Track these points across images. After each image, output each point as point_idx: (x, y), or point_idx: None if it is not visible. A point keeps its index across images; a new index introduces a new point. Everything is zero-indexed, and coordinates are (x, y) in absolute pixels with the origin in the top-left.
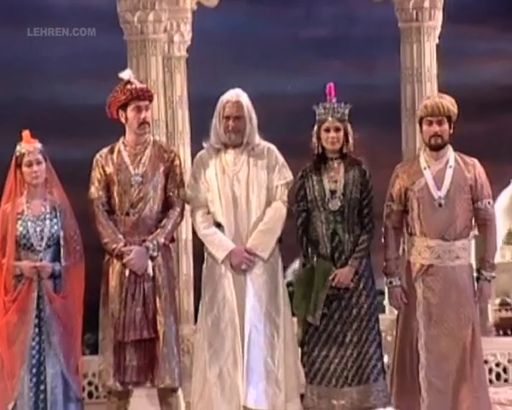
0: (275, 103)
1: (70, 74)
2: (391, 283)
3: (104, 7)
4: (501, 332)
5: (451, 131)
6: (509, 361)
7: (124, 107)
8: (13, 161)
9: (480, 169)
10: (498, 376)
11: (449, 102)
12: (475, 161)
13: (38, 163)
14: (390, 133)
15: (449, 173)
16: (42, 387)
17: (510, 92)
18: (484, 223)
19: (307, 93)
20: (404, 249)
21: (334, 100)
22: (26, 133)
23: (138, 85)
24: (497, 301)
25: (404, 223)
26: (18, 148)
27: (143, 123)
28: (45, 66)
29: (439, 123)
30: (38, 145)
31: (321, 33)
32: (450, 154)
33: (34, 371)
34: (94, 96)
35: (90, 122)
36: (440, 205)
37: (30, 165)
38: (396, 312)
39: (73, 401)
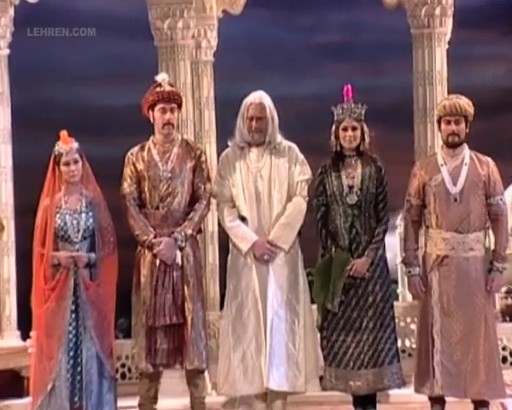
0: (290, 104)
1: (80, 76)
2: (409, 272)
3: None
4: (507, 318)
5: (467, 130)
6: None
7: (152, 107)
8: (51, 160)
9: (493, 167)
10: (504, 359)
11: (466, 103)
12: (489, 159)
13: (76, 162)
14: (398, 132)
15: (464, 170)
16: (78, 368)
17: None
18: (496, 218)
19: (321, 95)
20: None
21: (351, 101)
22: (63, 133)
23: (167, 89)
24: (503, 289)
25: (422, 216)
26: (56, 147)
27: (167, 124)
28: (50, 66)
29: (457, 122)
30: (75, 145)
31: (334, 39)
32: (466, 152)
33: (71, 353)
34: (101, 97)
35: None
36: (456, 200)
37: (68, 164)
38: (411, 299)
39: (107, 380)
